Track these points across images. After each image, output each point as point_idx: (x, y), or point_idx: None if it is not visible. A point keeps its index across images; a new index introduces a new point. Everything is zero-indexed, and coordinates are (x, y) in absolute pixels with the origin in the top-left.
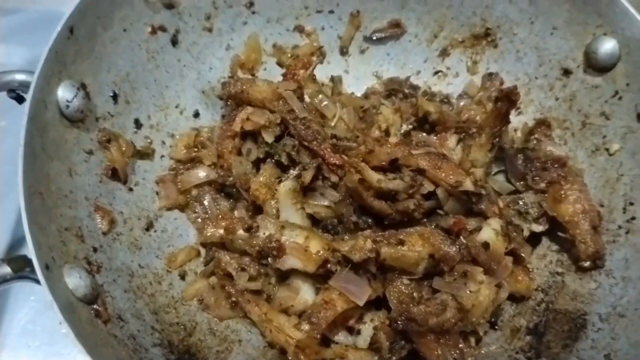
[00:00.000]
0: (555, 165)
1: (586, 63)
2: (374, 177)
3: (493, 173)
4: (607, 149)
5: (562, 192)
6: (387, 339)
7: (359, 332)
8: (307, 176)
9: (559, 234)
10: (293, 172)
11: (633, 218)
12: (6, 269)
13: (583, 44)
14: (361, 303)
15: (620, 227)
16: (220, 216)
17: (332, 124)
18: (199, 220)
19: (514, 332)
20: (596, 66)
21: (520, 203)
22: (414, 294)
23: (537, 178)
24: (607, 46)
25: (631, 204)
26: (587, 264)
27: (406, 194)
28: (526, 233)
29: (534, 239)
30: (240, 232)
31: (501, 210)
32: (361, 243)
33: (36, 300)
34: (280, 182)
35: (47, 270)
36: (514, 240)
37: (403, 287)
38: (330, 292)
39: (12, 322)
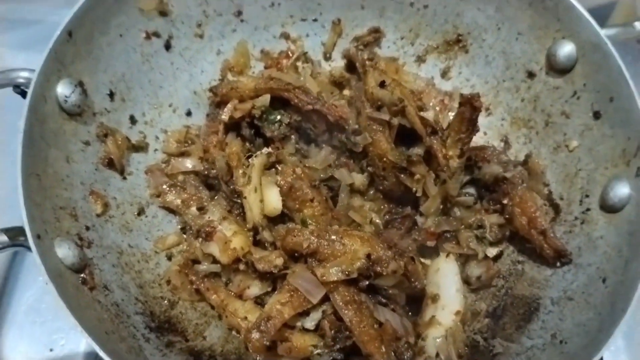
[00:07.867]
0: (499, 184)
1: (548, 65)
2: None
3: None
4: (567, 146)
5: (510, 209)
6: (330, 327)
7: (307, 314)
8: (278, 156)
9: (527, 245)
10: (266, 150)
11: (588, 209)
12: (3, 237)
13: (545, 47)
14: (315, 301)
15: (576, 218)
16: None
17: None
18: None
19: (474, 315)
20: (557, 68)
21: (480, 230)
22: (355, 297)
23: (491, 202)
24: (566, 49)
25: (587, 196)
26: (558, 264)
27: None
28: (481, 256)
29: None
30: (193, 209)
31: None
32: (272, 257)
33: (44, 281)
34: (249, 157)
35: (38, 240)
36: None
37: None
38: (282, 295)
39: (20, 301)
